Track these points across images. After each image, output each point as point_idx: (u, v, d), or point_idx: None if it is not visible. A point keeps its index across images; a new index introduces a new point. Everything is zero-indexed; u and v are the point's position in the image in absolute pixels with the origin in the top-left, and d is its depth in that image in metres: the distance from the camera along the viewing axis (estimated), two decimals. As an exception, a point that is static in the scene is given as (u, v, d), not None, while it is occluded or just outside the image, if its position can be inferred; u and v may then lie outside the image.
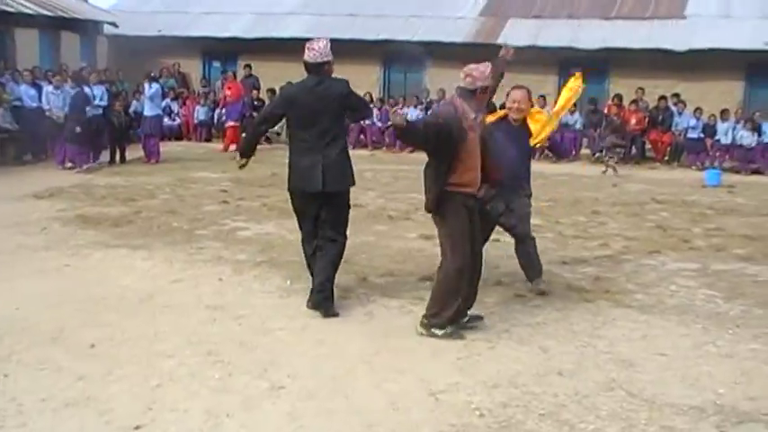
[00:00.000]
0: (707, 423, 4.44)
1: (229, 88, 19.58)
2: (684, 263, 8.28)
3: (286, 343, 5.61)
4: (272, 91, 20.99)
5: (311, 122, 6.24)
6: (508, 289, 7.07)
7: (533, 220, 10.41)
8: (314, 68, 6.34)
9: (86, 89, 15.82)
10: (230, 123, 18.96)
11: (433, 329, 5.79)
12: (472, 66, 5.80)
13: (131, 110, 17.94)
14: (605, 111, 18.56)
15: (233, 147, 17.63)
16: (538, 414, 4.50)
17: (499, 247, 8.79)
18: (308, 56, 6.34)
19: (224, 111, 19.82)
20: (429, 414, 4.48)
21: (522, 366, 5.26)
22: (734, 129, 18.05)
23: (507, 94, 7.12)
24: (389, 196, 12.29)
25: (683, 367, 5.31)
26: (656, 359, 5.44)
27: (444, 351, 5.51)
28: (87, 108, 15.27)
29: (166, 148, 17.52)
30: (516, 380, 5.02)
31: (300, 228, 6.54)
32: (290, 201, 6.68)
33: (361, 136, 20.42)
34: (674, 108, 18.89)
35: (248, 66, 21.89)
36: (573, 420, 4.42)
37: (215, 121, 20.95)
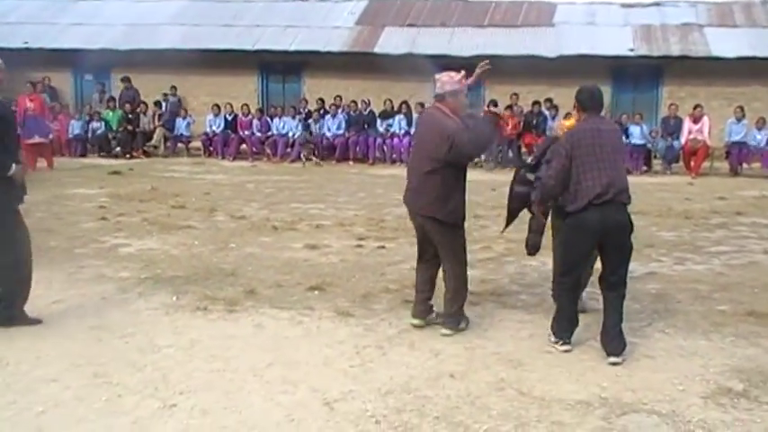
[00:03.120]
0: (593, 416, 4.61)
1: (32, 100, 17.81)
2: (563, 262, 8.56)
3: (176, 360, 5.50)
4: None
5: None
6: (396, 295, 7.13)
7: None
8: None
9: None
10: (37, 139, 17.16)
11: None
12: (444, 72, 6.07)
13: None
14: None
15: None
16: (432, 417, 4.56)
17: (384, 254, 8.90)
18: None
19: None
20: (325, 424, 4.48)
21: (415, 371, 5.33)
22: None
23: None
24: (273, 207, 12.21)
25: (568, 364, 5.50)
26: (542, 357, 5.60)
27: (336, 360, 5.52)
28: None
29: (39, 163, 16.92)
30: (409, 385, 5.08)
31: None
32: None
33: (243, 146, 20.26)
34: (546, 112, 19.50)
35: (126, 78, 21.46)
36: (467, 421, 4.51)
37: (89, 135, 20.45)
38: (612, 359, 5.50)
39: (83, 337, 5.94)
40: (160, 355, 5.59)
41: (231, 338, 5.97)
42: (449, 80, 6.01)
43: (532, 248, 6.63)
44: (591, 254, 5.85)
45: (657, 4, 22.79)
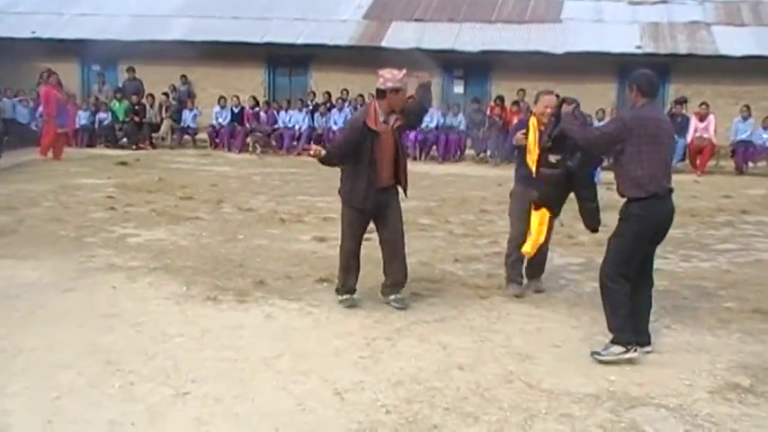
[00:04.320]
0: (602, 409, 4.66)
1: (58, 91, 17.90)
2: (570, 258, 8.63)
3: (187, 349, 5.55)
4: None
5: None
6: (404, 288, 7.17)
7: (423, 220, 10.65)
8: None
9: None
10: (68, 128, 18.04)
11: (337, 295, 6.71)
12: (386, 69, 6.35)
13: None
14: (488, 112, 19.07)
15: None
16: (442, 408, 4.62)
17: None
18: None
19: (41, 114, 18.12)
20: (336, 413, 4.54)
21: (424, 363, 5.38)
22: (609, 128, 18.75)
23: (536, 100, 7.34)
24: (280, 199, 12.26)
25: (576, 357, 5.54)
26: (550, 351, 5.65)
27: (346, 351, 5.58)
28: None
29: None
30: (419, 376, 5.13)
31: None
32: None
33: (248, 139, 20.27)
34: (553, 108, 19.49)
35: (131, 69, 21.47)
36: (477, 413, 4.56)
37: (95, 125, 20.50)
38: (648, 348, 5.65)
39: (95, 325, 5.99)
40: (171, 344, 5.64)
41: (241, 328, 6.02)
42: (391, 77, 6.31)
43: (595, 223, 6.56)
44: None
45: (665, 2, 22.73)
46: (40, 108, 18.29)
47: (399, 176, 6.58)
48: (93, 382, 4.91)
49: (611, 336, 5.54)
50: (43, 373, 5.04)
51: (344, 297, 6.67)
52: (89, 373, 5.05)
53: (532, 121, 7.11)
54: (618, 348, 5.44)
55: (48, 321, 6.05)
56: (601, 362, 5.40)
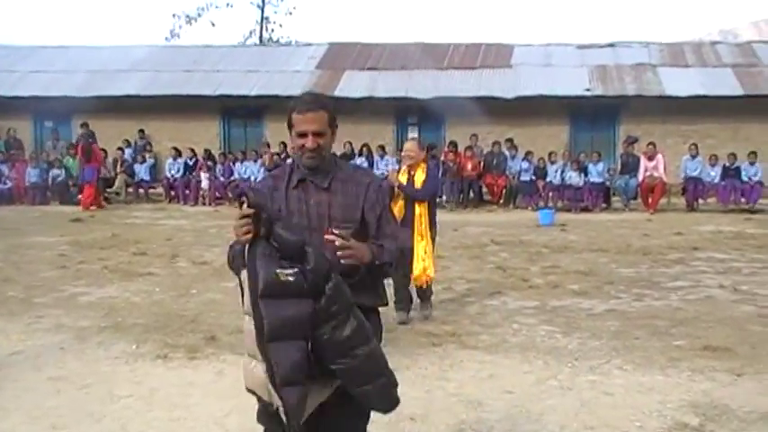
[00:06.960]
0: (552, 455, 4.65)
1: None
2: (524, 301, 8.66)
3: (135, 410, 5.46)
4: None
5: None
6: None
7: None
8: None
9: None
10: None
11: None
12: None
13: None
14: (442, 158, 19.23)
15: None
16: (392, 461, 4.58)
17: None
18: None
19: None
20: (285, 470, 4.47)
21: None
22: (562, 170, 19.03)
23: None
24: (235, 252, 12.17)
25: (528, 403, 5.53)
26: (502, 397, 5.64)
27: (298, 405, 5.51)
28: None
29: (-2, 213, 16.80)
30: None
31: None
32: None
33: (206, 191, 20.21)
34: (507, 152, 19.74)
35: (85, 124, 21.34)
36: (426, 464, 4.53)
37: (49, 182, 20.30)
38: None
39: (41, 389, 5.87)
40: (119, 405, 5.54)
41: (191, 386, 5.94)
42: None
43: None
44: None
45: (612, 45, 23.33)
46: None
47: None
48: (37, 449, 4.80)
49: None
50: (-15, 441, 4.93)
51: None
52: (33, 439, 4.95)
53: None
54: None
55: (-8, 386, 5.92)
56: None
